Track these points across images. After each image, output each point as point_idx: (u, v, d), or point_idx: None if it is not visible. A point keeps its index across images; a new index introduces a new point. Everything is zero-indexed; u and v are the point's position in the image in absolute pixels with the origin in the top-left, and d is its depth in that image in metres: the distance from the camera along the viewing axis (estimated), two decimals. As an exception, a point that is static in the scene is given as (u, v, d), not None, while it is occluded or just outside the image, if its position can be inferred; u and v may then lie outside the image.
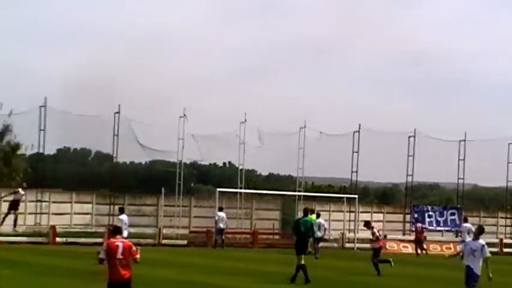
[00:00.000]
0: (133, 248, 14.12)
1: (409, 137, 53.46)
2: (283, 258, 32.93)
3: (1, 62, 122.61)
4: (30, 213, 43.37)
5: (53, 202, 45.85)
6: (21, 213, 42.85)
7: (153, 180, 61.53)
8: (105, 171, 60.01)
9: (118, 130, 45.93)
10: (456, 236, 51.21)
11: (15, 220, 38.13)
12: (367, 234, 33.64)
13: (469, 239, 25.81)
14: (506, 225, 57.05)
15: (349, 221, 49.85)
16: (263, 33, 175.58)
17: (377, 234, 29.49)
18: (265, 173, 76.80)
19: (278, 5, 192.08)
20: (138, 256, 14.12)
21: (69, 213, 46.93)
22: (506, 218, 57.37)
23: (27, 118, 44.08)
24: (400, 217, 54.67)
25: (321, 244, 39.87)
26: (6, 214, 38.29)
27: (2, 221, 38.33)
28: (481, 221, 50.51)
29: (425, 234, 47.15)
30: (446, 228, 54.65)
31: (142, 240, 40.92)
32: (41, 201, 43.71)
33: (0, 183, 44.61)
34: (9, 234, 39.76)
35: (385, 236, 44.31)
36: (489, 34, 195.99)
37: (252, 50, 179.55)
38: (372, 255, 28.98)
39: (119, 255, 13.85)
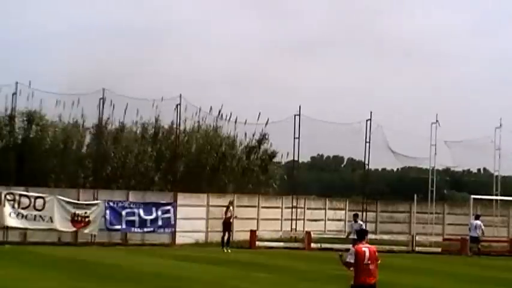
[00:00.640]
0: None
1: None
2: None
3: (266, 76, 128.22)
4: (286, 219, 44.85)
5: (308, 208, 47.20)
6: (276, 219, 44.66)
7: (405, 186, 61.17)
8: (358, 178, 60.58)
9: (370, 137, 46.29)
10: None
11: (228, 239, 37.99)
12: None
13: None
14: None
15: None
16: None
17: None
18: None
19: None
20: (379, 261, 14.74)
21: (323, 219, 48.14)
22: None
23: (283, 127, 45.53)
24: None
25: None
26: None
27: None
28: None
29: None
30: None
31: (395, 247, 41.06)
32: (296, 207, 45.05)
33: (258, 191, 46.58)
34: (269, 240, 41.48)
35: None
36: None
37: None
38: None
39: (366, 261, 14.42)
